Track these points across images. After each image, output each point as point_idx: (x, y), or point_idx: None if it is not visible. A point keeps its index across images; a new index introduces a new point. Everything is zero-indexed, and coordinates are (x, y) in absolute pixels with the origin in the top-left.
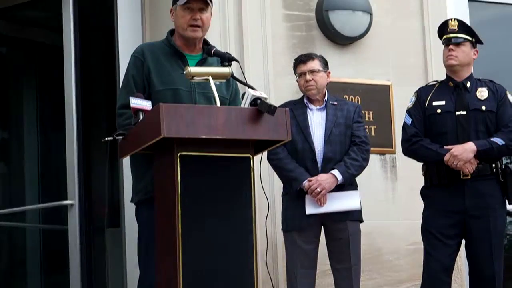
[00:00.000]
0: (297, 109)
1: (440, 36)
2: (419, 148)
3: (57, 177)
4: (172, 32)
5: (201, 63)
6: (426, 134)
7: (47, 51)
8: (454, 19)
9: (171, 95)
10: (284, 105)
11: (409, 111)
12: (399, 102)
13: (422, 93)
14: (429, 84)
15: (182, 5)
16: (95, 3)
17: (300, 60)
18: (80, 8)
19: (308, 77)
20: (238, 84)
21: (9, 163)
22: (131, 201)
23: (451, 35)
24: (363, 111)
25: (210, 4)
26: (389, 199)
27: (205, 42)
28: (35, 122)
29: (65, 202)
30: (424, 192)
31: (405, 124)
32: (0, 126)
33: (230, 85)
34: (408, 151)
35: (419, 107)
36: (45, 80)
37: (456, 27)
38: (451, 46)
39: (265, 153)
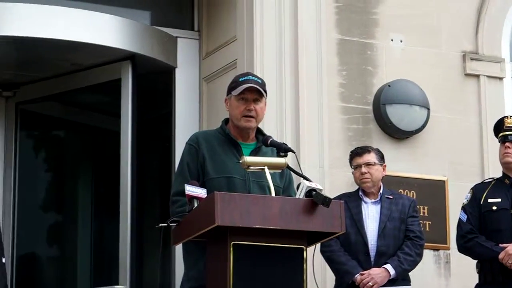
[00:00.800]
0: (351, 201)
1: (496, 134)
2: (474, 245)
3: (109, 261)
4: (226, 121)
5: (255, 152)
6: (481, 231)
7: (103, 136)
8: (511, 116)
9: (225, 183)
10: (339, 197)
11: (464, 208)
12: (455, 198)
13: (477, 190)
14: (485, 181)
15: (236, 95)
16: (154, 90)
17: (356, 153)
18: (139, 94)
19: (364, 169)
20: (293, 174)
21: (62, 246)
22: None
23: (507, 132)
24: (418, 206)
25: (265, 95)
26: None
27: (259, 131)
28: (90, 205)
29: (116, 287)
30: None
31: (460, 220)
32: (54, 209)
33: (284, 174)
34: (463, 248)
35: (475, 204)
36: (100, 164)
37: None
38: (507, 144)
39: (318, 244)
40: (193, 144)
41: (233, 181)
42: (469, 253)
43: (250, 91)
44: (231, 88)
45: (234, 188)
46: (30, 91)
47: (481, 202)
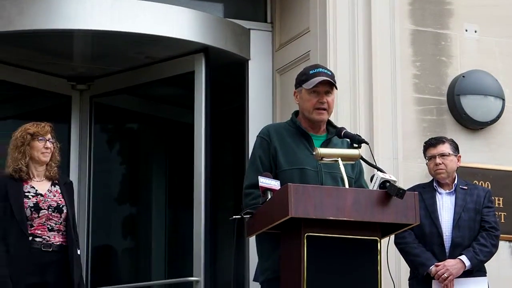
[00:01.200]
0: (425, 192)
1: None
2: None
3: (183, 253)
4: (296, 113)
5: (326, 143)
6: None
7: (177, 128)
8: None
9: (298, 175)
10: (413, 189)
11: None
12: None
13: None
14: None
15: (308, 88)
16: (227, 82)
17: (430, 143)
18: (212, 87)
19: (438, 160)
20: (366, 166)
21: (136, 238)
22: (254, 279)
23: None
24: (493, 197)
25: (336, 87)
26: None
27: (329, 123)
28: (164, 198)
29: (191, 278)
30: None
31: None
32: (128, 201)
33: (356, 164)
34: None
35: None
36: (174, 157)
37: None
38: None
39: (392, 236)
40: (265, 137)
41: (306, 173)
42: None
43: (322, 84)
44: (301, 81)
45: (307, 179)
46: (104, 84)
47: None
